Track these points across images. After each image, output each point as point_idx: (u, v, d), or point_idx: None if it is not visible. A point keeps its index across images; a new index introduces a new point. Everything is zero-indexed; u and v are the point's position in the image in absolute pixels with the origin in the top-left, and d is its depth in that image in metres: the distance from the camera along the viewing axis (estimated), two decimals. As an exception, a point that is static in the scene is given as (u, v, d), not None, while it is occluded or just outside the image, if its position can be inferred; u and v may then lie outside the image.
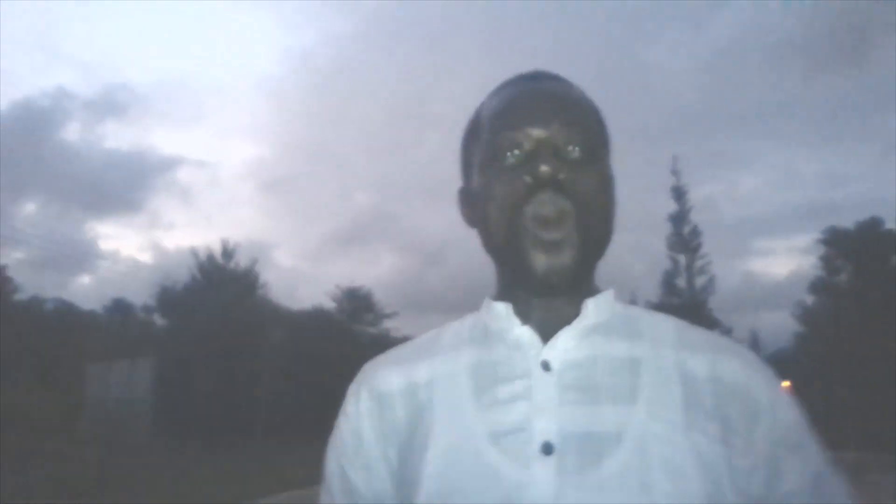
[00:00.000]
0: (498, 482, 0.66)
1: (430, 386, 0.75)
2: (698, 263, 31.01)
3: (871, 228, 27.79)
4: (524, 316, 0.75)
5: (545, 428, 0.67)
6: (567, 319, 0.73)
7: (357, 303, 31.36)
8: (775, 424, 0.69)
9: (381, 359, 0.83)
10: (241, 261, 25.80)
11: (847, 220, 29.13)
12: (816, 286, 29.44)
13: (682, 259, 31.25)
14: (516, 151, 0.72)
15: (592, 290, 0.76)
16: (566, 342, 0.72)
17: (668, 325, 0.76)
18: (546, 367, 0.71)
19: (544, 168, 0.69)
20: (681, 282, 31.19)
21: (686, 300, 30.50)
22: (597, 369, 0.71)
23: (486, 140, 0.76)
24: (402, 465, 0.73)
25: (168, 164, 58.83)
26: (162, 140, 64.84)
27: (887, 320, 23.26)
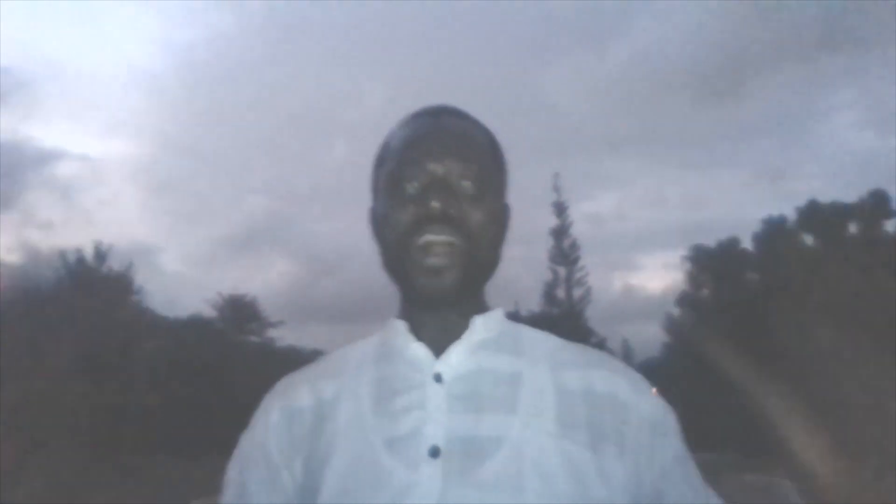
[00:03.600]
0: (389, 484, 0.72)
1: (335, 402, 0.80)
2: (577, 276, 32.48)
3: (730, 247, 30.17)
4: (419, 333, 0.81)
5: (434, 433, 0.74)
6: (458, 335, 0.81)
7: (240, 311, 30.31)
8: (642, 421, 0.78)
9: (294, 376, 0.87)
10: (117, 264, 24.35)
11: (710, 239, 31.41)
12: (682, 299, 31.56)
13: (561, 271, 32.59)
14: (415, 183, 0.79)
15: (481, 308, 0.84)
16: (457, 356, 0.79)
17: (547, 342, 0.84)
18: (438, 379, 0.78)
19: (435, 203, 0.76)
20: (560, 293, 32.51)
21: (564, 310, 31.77)
22: (482, 381, 0.78)
23: (389, 170, 0.82)
24: (305, 477, 0.78)
25: (48, 158, 53.49)
26: (42, 131, 59.51)
27: (743, 331, 25.22)
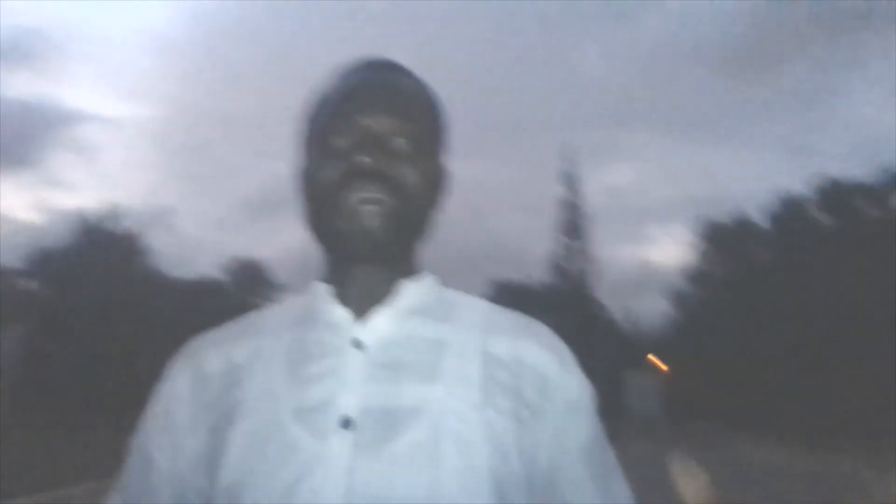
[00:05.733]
0: (296, 456, 0.68)
1: (246, 366, 0.76)
2: (586, 248, 32.43)
3: (742, 223, 29.94)
4: (343, 297, 0.77)
5: (347, 403, 0.70)
6: (384, 300, 0.76)
7: (251, 274, 30.55)
8: (561, 399, 0.75)
9: (204, 338, 0.82)
10: (134, 226, 24.51)
11: (724, 215, 31.14)
12: (691, 275, 31.48)
13: (570, 243, 32.54)
14: (344, 138, 0.74)
15: (411, 273, 0.80)
16: (379, 322, 0.75)
17: (478, 308, 0.81)
18: (357, 345, 0.74)
19: (364, 159, 0.72)
20: (569, 265, 32.49)
21: (572, 282, 31.79)
22: (405, 349, 0.74)
23: (318, 124, 0.78)
24: (210, 445, 0.74)
25: (69, 119, 52.92)
26: (65, 93, 59.17)
27: (752, 307, 25.23)
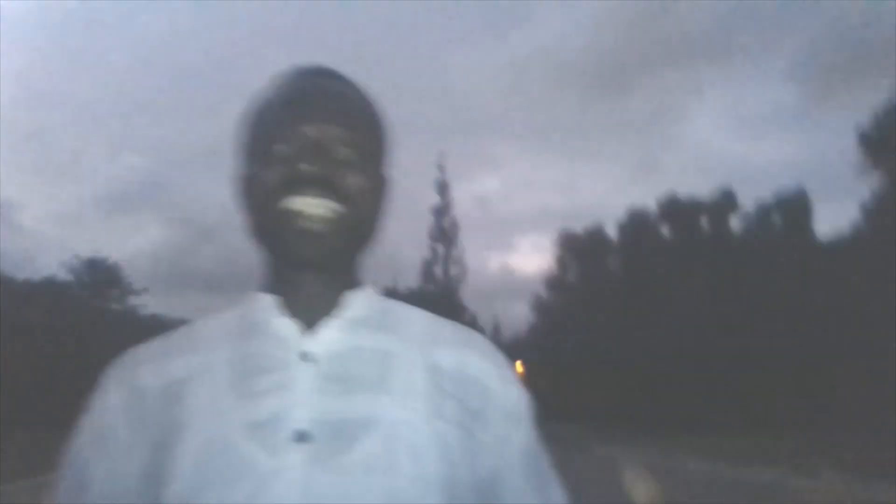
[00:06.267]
0: (250, 472, 0.67)
1: (186, 382, 0.74)
2: (454, 254, 33.15)
3: (595, 234, 31.87)
4: (287, 308, 0.76)
5: (300, 416, 0.70)
6: (327, 311, 0.76)
7: (99, 276, 28.39)
8: (500, 409, 0.78)
9: (138, 352, 0.79)
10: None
11: (579, 225, 32.97)
12: (550, 281, 33.04)
13: (440, 249, 33.12)
14: (287, 147, 0.74)
15: (353, 284, 0.79)
16: (326, 334, 0.75)
17: (420, 319, 0.82)
18: (305, 357, 0.73)
19: (307, 167, 0.72)
20: (438, 270, 33.05)
21: (440, 287, 32.35)
22: (353, 360, 0.74)
23: (260, 131, 0.77)
24: (152, 464, 0.71)
25: None
26: None
27: (605, 311, 26.83)
